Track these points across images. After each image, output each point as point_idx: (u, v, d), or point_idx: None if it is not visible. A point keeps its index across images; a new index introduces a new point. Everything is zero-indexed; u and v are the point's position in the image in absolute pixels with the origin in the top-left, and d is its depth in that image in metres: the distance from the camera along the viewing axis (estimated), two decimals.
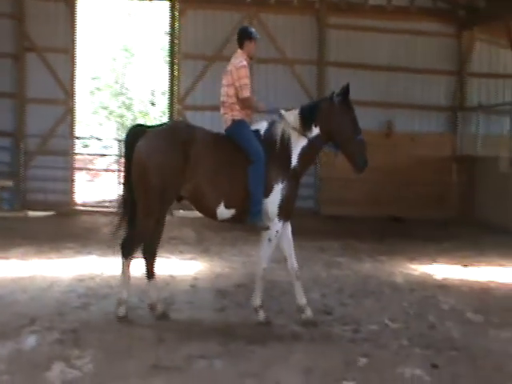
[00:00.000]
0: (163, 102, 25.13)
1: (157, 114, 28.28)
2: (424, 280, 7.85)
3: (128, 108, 28.44)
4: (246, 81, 5.83)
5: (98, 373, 4.34)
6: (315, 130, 5.78)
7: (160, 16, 23.78)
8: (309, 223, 12.19)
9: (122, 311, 5.68)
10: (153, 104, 29.26)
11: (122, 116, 28.27)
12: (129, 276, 5.82)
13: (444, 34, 15.31)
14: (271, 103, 14.46)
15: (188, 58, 14.51)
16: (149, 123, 30.04)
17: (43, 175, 13.79)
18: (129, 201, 5.81)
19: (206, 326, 5.61)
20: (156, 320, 5.71)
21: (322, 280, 7.63)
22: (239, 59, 5.91)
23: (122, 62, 28.37)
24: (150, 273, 5.95)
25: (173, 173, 5.51)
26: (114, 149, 15.47)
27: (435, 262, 9.15)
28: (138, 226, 5.72)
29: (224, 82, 5.97)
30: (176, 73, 14.52)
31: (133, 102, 28.55)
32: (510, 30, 12.81)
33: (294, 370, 4.53)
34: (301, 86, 14.66)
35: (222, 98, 6.00)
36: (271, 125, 5.87)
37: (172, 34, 14.47)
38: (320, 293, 6.89)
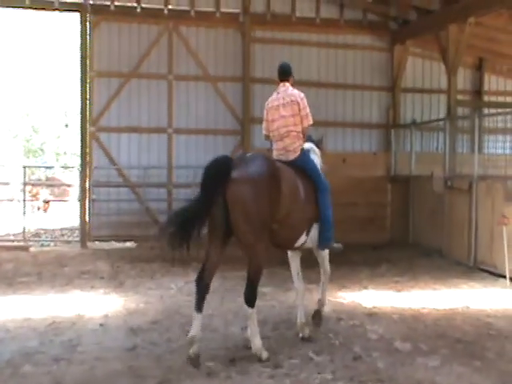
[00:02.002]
0: (77, 124, 24.84)
1: (71, 137, 27.92)
2: (353, 308, 8.07)
3: (36, 131, 27.92)
4: (308, 110, 6.94)
5: None
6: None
7: (71, 29, 23.60)
8: (229, 249, 12.25)
9: (194, 350, 5.72)
10: (66, 126, 28.87)
11: (28, 140, 27.72)
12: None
13: (376, 48, 15.91)
14: (193, 122, 14.89)
15: (101, 76, 14.43)
16: (62, 147, 30.13)
17: None
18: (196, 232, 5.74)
19: (112, 369, 5.58)
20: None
21: (245, 312, 7.68)
22: (295, 90, 6.92)
23: (28, 79, 27.93)
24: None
25: (271, 203, 5.91)
26: (20, 175, 15.07)
27: (366, 288, 9.42)
28: (255, 256, 5.92)
29: (285, 113, 6.81)
30: (88, 92, 14.38)
31: (42, 123, 28.08)
32: (440, 42, 13.38)
33: None
34: (225, 104, 14.87)
35: (287, 129, 6.79)
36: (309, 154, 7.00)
37: (83, 49, 14.28)
38: (241, 326, 6.97)
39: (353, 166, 14.98)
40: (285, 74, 7.05)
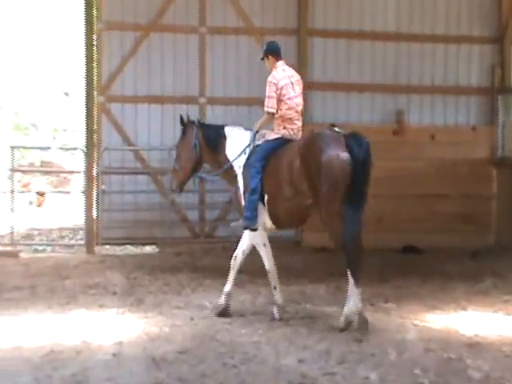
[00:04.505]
0: (80, 92, 25.16)
1: (73, 109, 28.27)
2: (447, 336, 7.94)
3: (27, 101, 28.36)
4: None
5: None
6: None
7: None
8: (288, 258, 12.28)
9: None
10: (66, 95, 29.28)
11: (17, 113, 28.16)
12: None
13: None
14: (232, 90, 14.88)
15: (112, 29, 14.54)
16: (61, 122, 30.47)
17: None
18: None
19: None
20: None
21: (302, 339, 7.68)
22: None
23: (17, 32, 28.31)
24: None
25: None
26: (7, 158, 15.32)
27: (464, 310, 9.28)
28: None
29: (298, 91, 8.78)
30: (95, 50, 14.52)
31: (35, 92, 28.47)
32: None
33: None
34: None
35: (301, 107, 8.84)
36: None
37: None
38: (297, 357, 6.94)
39: (443, 144, 14.90)
40: (280, 52, 8.90)
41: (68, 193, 24.12)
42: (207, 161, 9.55)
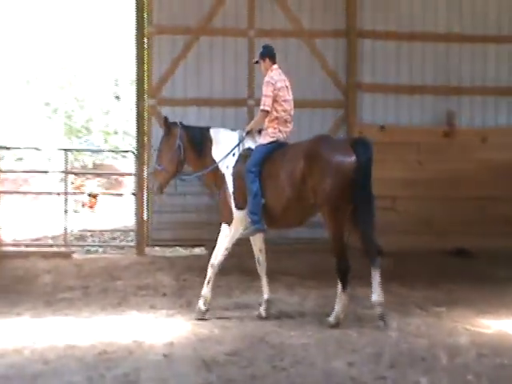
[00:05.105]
0: (131, 95, 25.40)
1: (123, 112, 28.45)
2: (500, 342, 7.82)
3: (81, 105, 28.62)
4: None
5: None
6: None
7: None
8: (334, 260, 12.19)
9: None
10: (117, 98, 29.52)
11: (70, 116, 28.42)
12: None
13: None
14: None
15: (163, 33, 14.64)
16: (112, 125, 30.73)
17: None
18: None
19: None
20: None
21: (352, 342, 7.66)
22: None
23: (70, 38, 28.58)
24: None
25: None
26: (60, 162, 15.55)
27: None
28: None
29: (289, 97, 9.02)
30: (146, 54, 14.64)
31: (87, 96, 28.70)
32: None
33: None
34: (323, 66, 14.77)
35: (293, 112, 9.07)
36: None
37: None
38: (347, 360, 6.91)
39: (495, 145, 14.68)
40: (276, 57, 9.11)
41: (119, 195, 24.31)
42: (190, 162, 9.46)
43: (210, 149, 9.21)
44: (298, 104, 14.32)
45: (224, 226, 9.11)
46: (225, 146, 9.11)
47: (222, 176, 9.06)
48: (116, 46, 28.19)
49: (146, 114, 14.49)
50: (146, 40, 14.59)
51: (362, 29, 14.82)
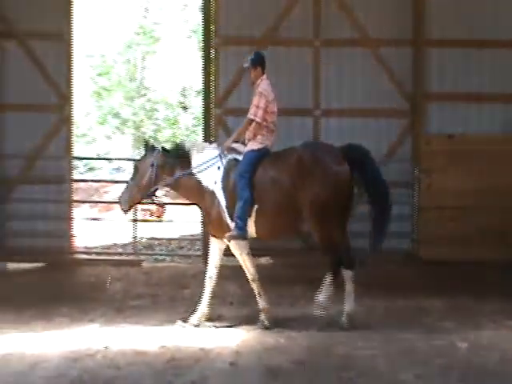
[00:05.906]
0: (198, 106, 25.64)
1: (190, 122, 28.72)
2: None
3: (149, 115, 28.97)
4: None
5: None
6: None
7: None
8: (402, 272, 12.10)
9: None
10: (184, 108, 29.82)
11: (139, 127, 28.81)
12: None
13: None
14: (347, 101, 14.78)
15: (229, 44, 14.73)
16: (179, 135, 31.14)
17: (29, 211, 13.96)
18: None
19: None
20: None
21: (420, 354, 7.56)
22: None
23: (139, 51, 29.00)
24: None
25: None
26: (129, 172, 15.74)
27: None
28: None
29: (275, 109, 9.27)
30: (213, 64, 14.76)
31: (156, 106, 29.02)
32: None
33: None
34: (389, 75, 14.63)
35: (276, 123, 9.29)
36: None
37: (206, 10, 14.69)
38: (414, 372, 6.82)
39: None
40: (263, 64, 9.39)
41: (186, 204, 24.47)
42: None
43: (190, 163, 9.23)
44: (366, 113, 14.53)
45: (230, 244, 9.22)
46: (205, 160, 9.15)
47: (212, 193, 9.08)
48: (183, 57, 28.50)
49: (212, 124, 14.59)
50: (212, 51, 14.71)
51: (430, 37, 14.63)
